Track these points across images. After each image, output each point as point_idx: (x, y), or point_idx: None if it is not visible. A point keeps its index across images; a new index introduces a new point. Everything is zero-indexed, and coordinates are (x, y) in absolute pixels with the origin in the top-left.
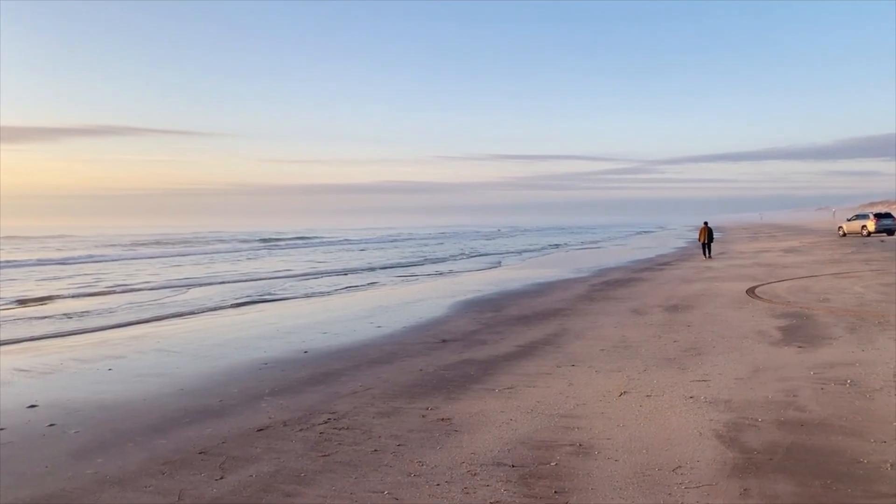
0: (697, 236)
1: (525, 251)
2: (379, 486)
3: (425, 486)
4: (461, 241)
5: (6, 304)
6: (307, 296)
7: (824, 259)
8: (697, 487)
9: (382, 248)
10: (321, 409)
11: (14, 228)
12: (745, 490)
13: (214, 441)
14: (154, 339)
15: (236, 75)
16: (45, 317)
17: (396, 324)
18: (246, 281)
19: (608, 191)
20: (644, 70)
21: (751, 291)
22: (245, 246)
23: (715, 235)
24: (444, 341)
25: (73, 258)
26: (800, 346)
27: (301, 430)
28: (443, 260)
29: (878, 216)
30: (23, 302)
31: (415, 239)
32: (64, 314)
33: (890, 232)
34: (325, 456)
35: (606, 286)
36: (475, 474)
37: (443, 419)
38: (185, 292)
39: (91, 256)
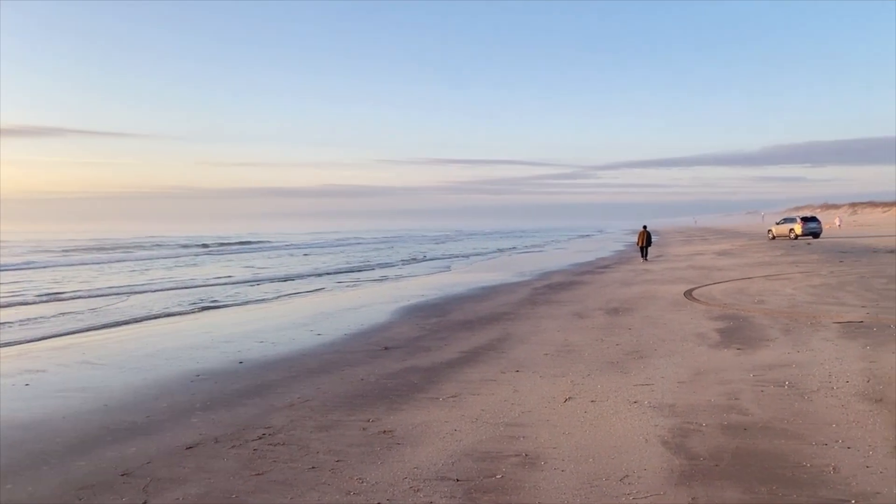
0: (636, 240)
1: (473, 255)
2: None
3: None
4: (409, 246)
5: None
6: (245, 303)
7: (756, 262)
8: (645, 498)
9: (327, 253)
10: (256, 423)
11: None
12: (693, 499)
13: (139, 461)
14: (79, 350)
15: (167, 76)
16: None
17: (337, 331)
18: (183, 288)
19: (548, 195)
20: (581, 75)
21: (688, 294)
22: (185, 251)
23: (652, 239)
24: (386, 348)
25: (9, 265)
26: (738, 349)
27: (234, 446)
28: (390, 265)
29: (805, 220)
30: None
31: (361, 243)
32: None
33: (815, 235)
34: (258, 475)
35: (549, 289)
36: (418, 490)
37: (384, 431)
38: (120, 300)
39: (30, 263)
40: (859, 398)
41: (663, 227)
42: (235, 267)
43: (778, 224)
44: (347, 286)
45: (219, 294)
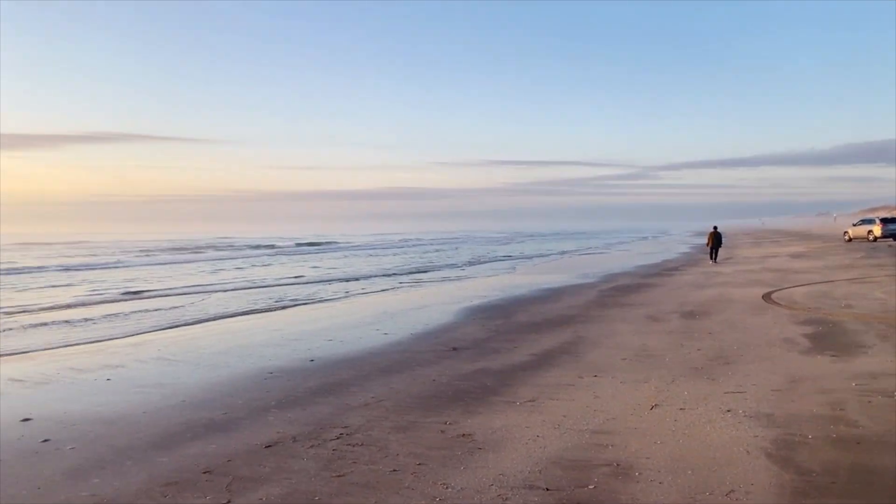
0: (705, 241)
1: (536, 256)
2: None
3: None
4: (470, 247)
5: (11, 310)
6: (312, 302)
7: (835, 264)
8: None
9: (390, 254)
10: (332, 422)
11: (28, 235)
12: None
13: (220, 459)
14: (155, 347)
15: (239, 82)
16: (43, 324)
17: (403, 331)
18: (253, 288)
19: (608, 196)
20: (642, 73)
21: (767, 297)
22: (255, 252)
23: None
24: (454, 349)
25: (99, 264)
26: (833, 355)
27: (312, 446)
28: (452, 266)
29: (885, 221)
30: (25, 310)
31: (422, 244)
32: (65, 321)
33: None
34: (339, 476)
35: (617, 292)
36: (506, 498)
37: (464, 435)
38: (194, 299)
39: (119, 262)
40: None
41: (729, 229)
42: (303, 267)
43: (855, 225)
44: (411, 286)
45: (288, 293)
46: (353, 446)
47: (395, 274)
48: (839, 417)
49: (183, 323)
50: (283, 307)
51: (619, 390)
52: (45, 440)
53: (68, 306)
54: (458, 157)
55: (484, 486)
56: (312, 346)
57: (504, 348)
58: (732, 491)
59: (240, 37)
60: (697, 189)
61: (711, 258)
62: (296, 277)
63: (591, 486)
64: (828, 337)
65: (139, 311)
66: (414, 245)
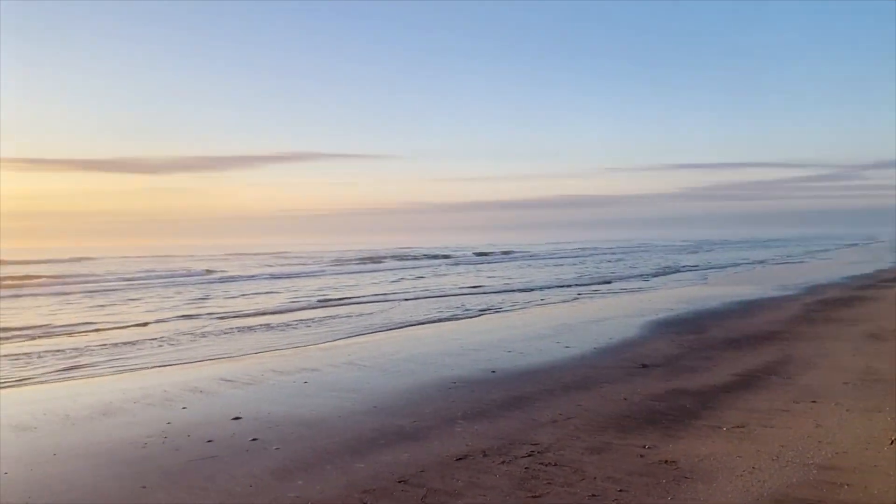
0: None
1: (729, 266)
2: None
3: None
4: (651, 256)
5: (224, 315)
6: (490, 311)
7: None
8: None
9: (566, 264)
10: (521, 438)
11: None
12: None
13: (413, 469)
14: (345, 352)
15: (396, 102)
16: (249, 328)
17: (585, 344)
18: (433, 297)
19: (805, 200)
20: (839, 63)
21: None
22: (433, 262)
23: None
24: (644, 366)
25: (297, 273)
26: None
27: (503, 462)
28: (634, 276)
29: None
30: (236, 314)
31: (598, 254)
32: (267, 325)
33: None
34: (535, 497)
35: (824, 306)
36: None
37: (666, 461)
38: (378, 307)
39: (315, 272)
40: None
41: None
42: (480, 277)
43: None
44: (590, 297)
45: (466, 303)
46: (546, 465)
47: (573, 284)
48: None
49: (370, 330)
50: (462, 317)
51: (846, 419)
52: (254, 439)
53: (271, 312)
54: (630, 161)
55: None
56: (492, 356)
57: (700, 367)
58: None
59: (407, 62)
60: None
61: None
62: (473, 287)
63: None
64: None
65: (331, 317)
66: (591, 254)
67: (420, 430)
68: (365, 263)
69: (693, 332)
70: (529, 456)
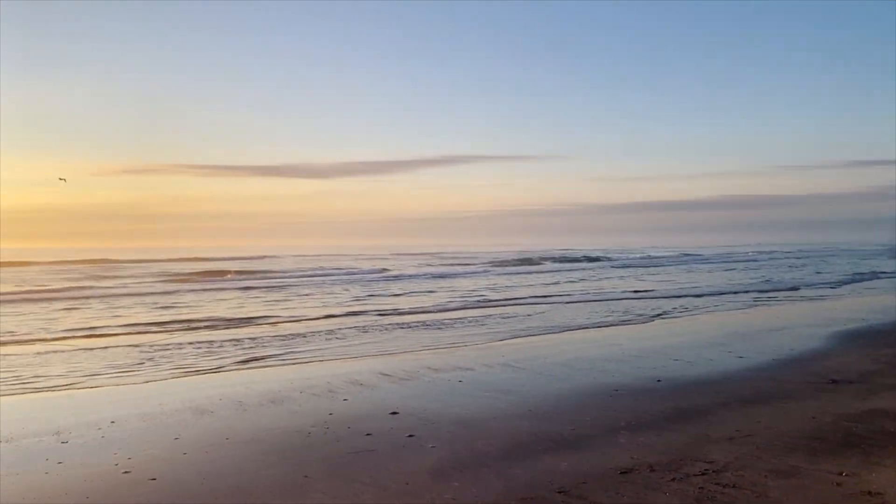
0: None
1: None
2: None
3: None
4: (841, 260)
5: (385, 312)
6: (654, 316)
7: None
8: None
9: (742, 268)
10: (693, 455)
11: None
12: None
13: (573, 479)
14: (499, 353)
15: (557, 101)
16: (408, 325)
17: (762, 355)
18: (592, 301)
19: None
20: None
21: None
22: (590, 265)
23: None
24: (834, 381)
25: (456, 273)
26: None
27: (673, 479)
28: (819, 283)
29: None
30: (397, 312)
31: (778, 258)
32: (424, 324)
33: None
34: None
35: None
36: None
37: (870, 493)
38: (535, 309)
39: (482, 272)
40: None
41: None
42: (642, 280)
43: None
44: (767, 304)
45: (626, 307)
46: (724, 487)
47: (747, 290)
48: None
49: (526, 332)
50: (627, 322)
51: None
52: (410, 435)
53: (430, 311)
54: (811, 158)
55: None
56: (657, 364)
57: None
58: None
59: (568, 63)
60: None
61: None
62: (637, 291)
63: None
64: None
65: (488, 317)
66: (769, 259)
67: (580, 438)
68: (523, 265)
69: (891, 346)
70: (704, 475)
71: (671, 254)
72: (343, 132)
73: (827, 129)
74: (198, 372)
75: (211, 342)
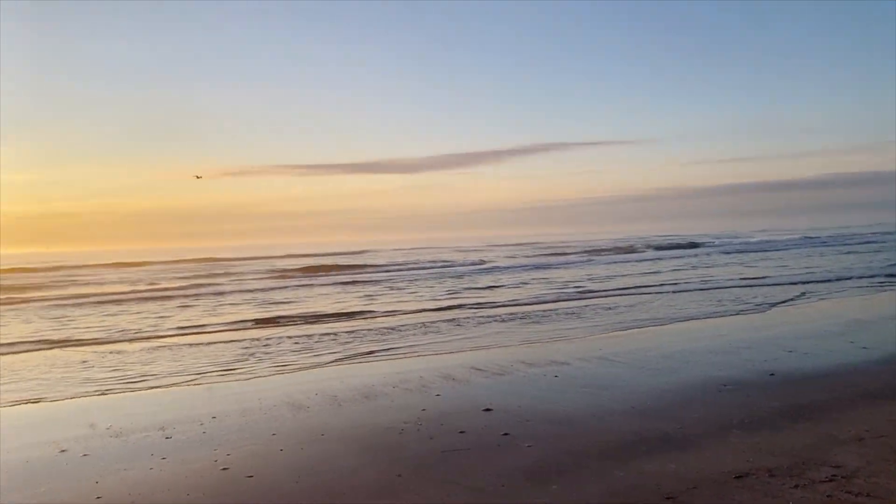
0: None
1: None
2: None
3: None
4: None
5: (480, 305)
6: (759, 305)
7: None
8: None
9: (862, 251)
10: (817, 458)
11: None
12: None
13: (682, 483)
14: (595, 346)
15: (648, 87)
16: (499, 318)
17: (888, 345)
18: (697, 290)
19: None
20: None
21: None
22: (691, 251)
23: None
24: None
25: (552, 263)
26: None
27: (796, 486)
28: None
29: None
30: (492, 305)
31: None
32: (522, 316)
33: None
34: None
35: None
36: None
37: None
38: (636, 299)
39: (579, 262)
40: None
41: None
42: (751, 267)
43: None
44: (891, 289)
45: (734, 296)
46: (856, 496)
47: (870, 275)
48: None
49: (626, 324)
50: (729, 312)
51: None
52: (505, 434)
53: (525, 303)
54: None
55: None
56: (768, 356)
57: None
58: None
59: (660, 44)
60: None
61: None
62: (744, 279)
63: None
64: None
65: (586, 308)
66: (894, 239)
67: (687, 437)
68: (621, 253)
69: None
70: (831, 481)
71: (778, 238)
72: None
73: None
74: (295, 367)
75: (309, 336)
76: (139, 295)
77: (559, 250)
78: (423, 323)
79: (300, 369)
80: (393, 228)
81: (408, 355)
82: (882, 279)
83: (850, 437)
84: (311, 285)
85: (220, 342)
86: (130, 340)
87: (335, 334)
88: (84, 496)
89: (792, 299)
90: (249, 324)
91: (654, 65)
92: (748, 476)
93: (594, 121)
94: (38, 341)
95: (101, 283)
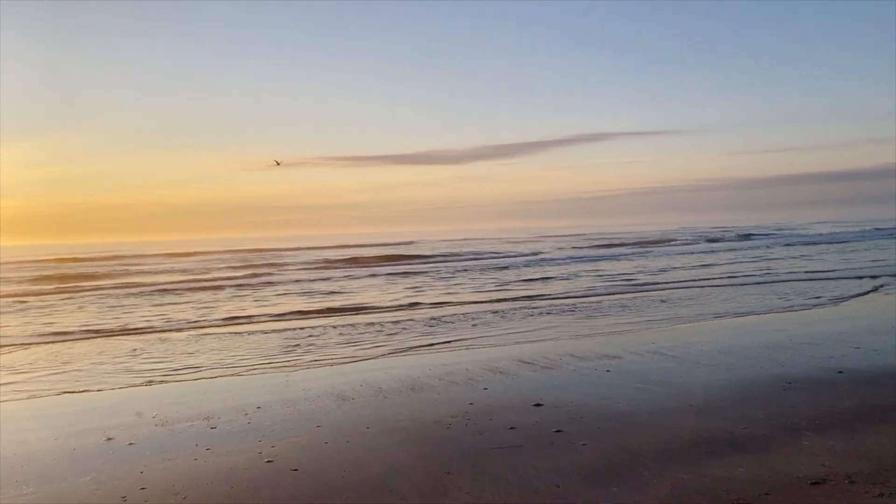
0: None
1: None
2: None
3: None
4: None
5: (531, 296)
6: (818, 297)
7: None
8: None
9: None
10: None
11: (536, 229)
12: None
13: (753, 489)
14: (649, 338)
15: (689, 75)
16: (552, 309)
17: None
18: (755, 283)
19: None
20: None
21: None
22: (746, 243)
23: None
24: None
25: (605, 255)
26: None
27: (881, 494)
28: None
29: None
30: (543, 297)
31: None
32: (568, 307)
33: None
34: None
35: None
36: None
37: None
38: (691, 293)
39: (622, 255)
40: None
41: None
42: (812, 259)
43: None
44: None
45: (799, 290)
46: None
47: None
48: None
49: (681, 318)
50: (791, 308)
51: None
52: (558, 430)
53: (575, 295)
54: None
55: None
56: (835, 353)
57: None
58: None
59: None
60: None
61: None
62: (807, 272)
63: None
64: None
65: (639, 300)
66: None
67: (754, 438)
68: (673, 244)
69: None
70: None
71: (844, 229)
72: (472, 118)
73: None
74: (340, 358)
75: (354, 326)
76: (188, 285)
77: (609, 241)
78: (469, 314)
79: (345, 360)
80: (439, 219)
81: (454, 348)
82: None
83: None
84: (359, 276)
85: (267, 332)
86: (178, 330)
87: (381, 325)
88: (129, 485)
89: (863, 294)
90: (296, 314)
91: (700, 54)
92: (825, 482)
93: (640, 111)
94: (89, 330)
95: (153, 273)
